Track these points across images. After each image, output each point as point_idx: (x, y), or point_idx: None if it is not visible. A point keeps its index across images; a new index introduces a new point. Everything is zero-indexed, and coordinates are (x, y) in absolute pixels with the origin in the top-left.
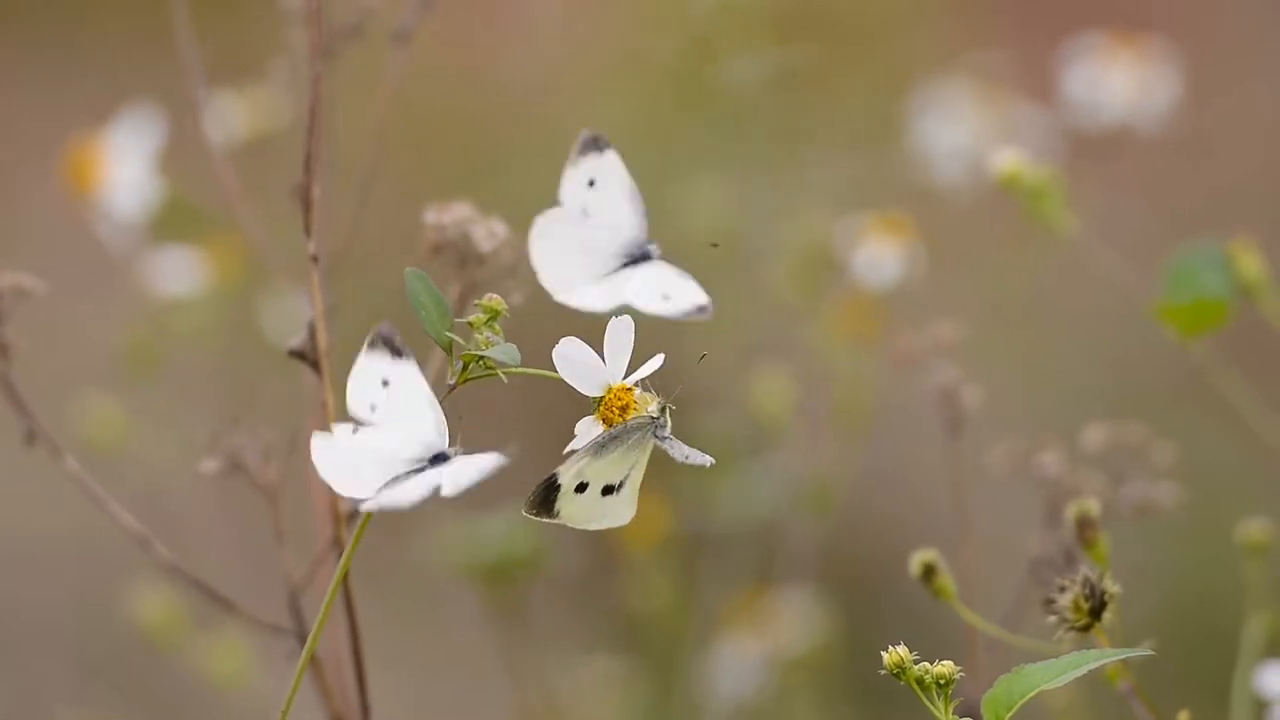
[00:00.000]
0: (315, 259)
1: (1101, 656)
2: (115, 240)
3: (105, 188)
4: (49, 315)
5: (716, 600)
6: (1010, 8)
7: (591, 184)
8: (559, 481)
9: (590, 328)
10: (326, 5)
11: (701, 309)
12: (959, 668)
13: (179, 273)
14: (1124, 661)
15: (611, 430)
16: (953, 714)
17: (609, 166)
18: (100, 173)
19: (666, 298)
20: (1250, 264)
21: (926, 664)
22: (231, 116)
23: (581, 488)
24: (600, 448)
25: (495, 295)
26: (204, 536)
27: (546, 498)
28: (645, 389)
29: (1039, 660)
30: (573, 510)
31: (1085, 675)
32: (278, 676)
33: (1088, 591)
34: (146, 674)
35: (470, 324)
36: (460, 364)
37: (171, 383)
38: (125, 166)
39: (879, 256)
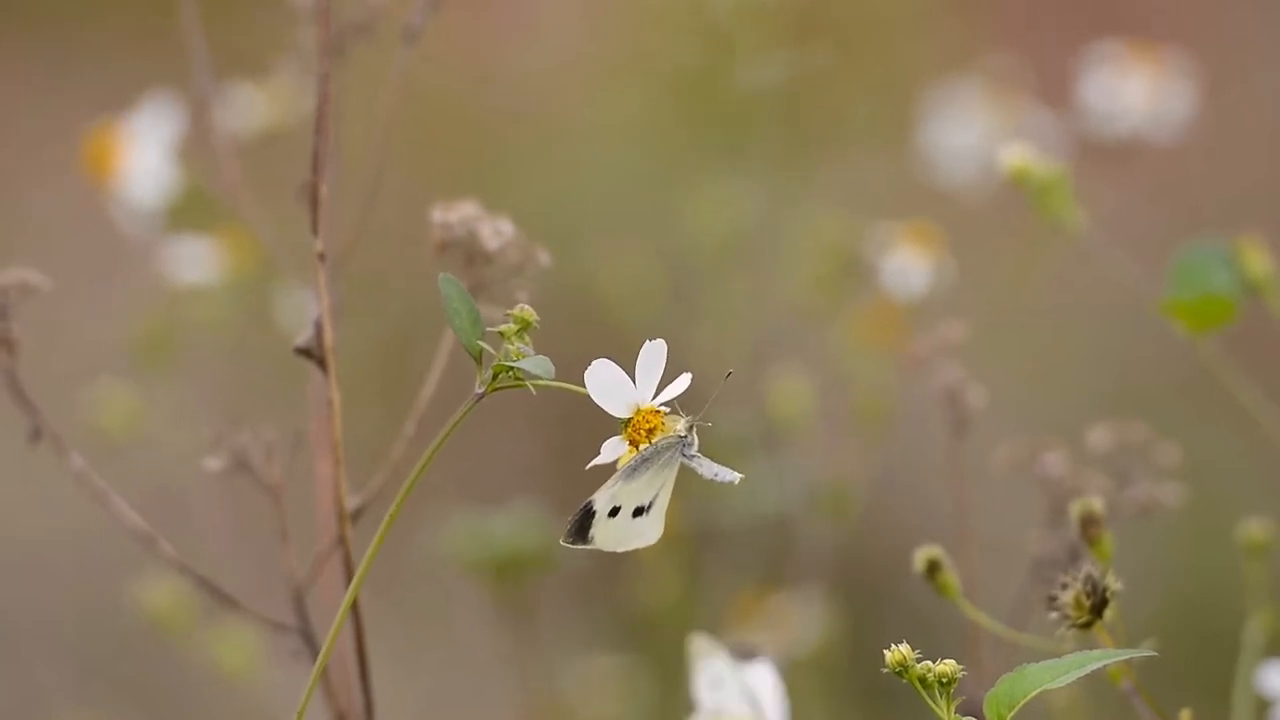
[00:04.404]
0: (322, 257)
1: (1105, 656)
2: (132, 227)
3: (124, 174)
4: (49, 312)
5: (723, 598)
6: (1016, 10)
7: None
8: (594, 509)
9: (596, 327)
10: (334, 3)
11: None
12: (962, 666)
13: (195, 261)
14: (1126, 660)
15: (642, 453)
16: (955, 713)
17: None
18: (120, 159)
19: None
20: (1258, 261)
21: (929, 663)
22: (238, 113)
23: (614, 511)
24: (632, 471)
25: (526, 305)
26: (207, 533)
27: (583, 525)
28: (673, 408)
29: (1042, 659)
30: (605, 535)
31: (1086, 674)
32: (279, 674)
33: (1089, 589)
34: (147, 674)
35: (501, 334)
36: (490, 373)
37: (179, 376)
38: (145, 153)
39: (910, 266)
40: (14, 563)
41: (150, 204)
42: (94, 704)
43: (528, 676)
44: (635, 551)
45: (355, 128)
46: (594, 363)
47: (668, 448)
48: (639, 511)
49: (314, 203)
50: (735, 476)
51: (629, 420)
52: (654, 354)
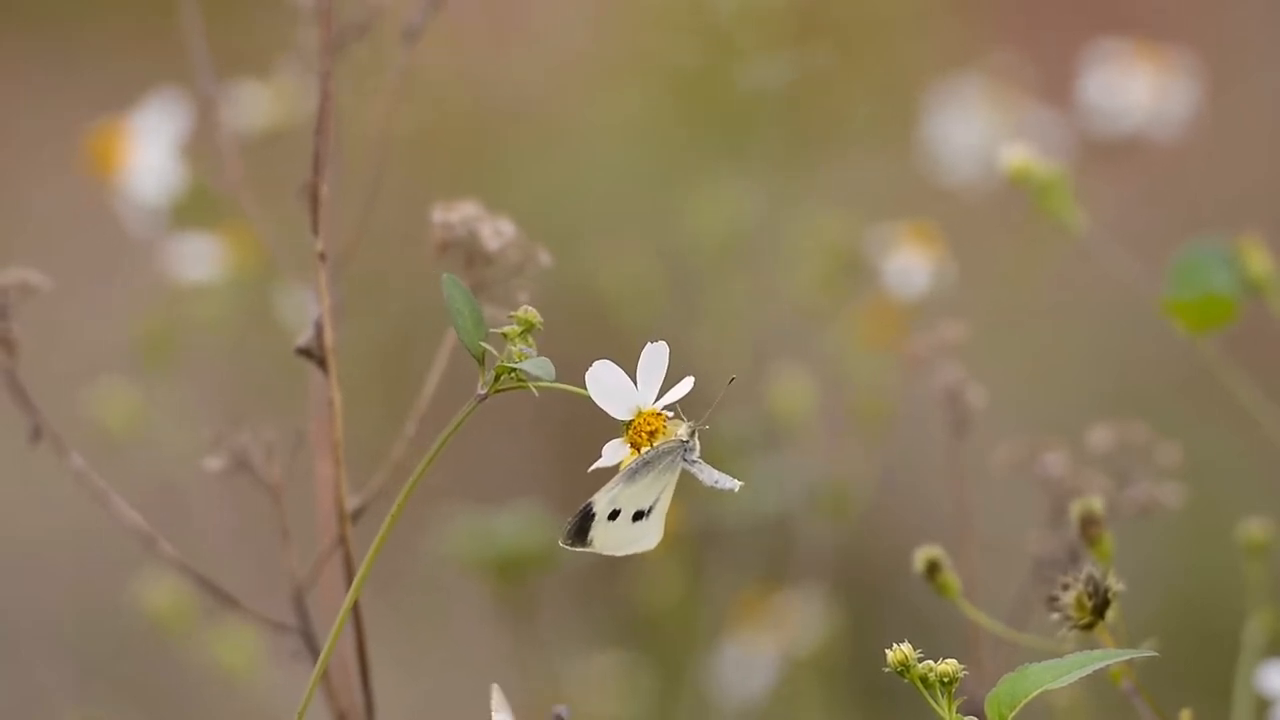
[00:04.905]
0: (323, 256)
1: (1106, 656)
2: (136, 224)
3: (129, 171)
4: (49, 312)
5: (725, 597)
6: (1016, 10)
7: None
8: (594, 510)
9: (596, 327)
10: (335, 3)
11: None
12: (963, 666)
13: (198, 259)
14: (1127, 660)
15: (643, 456)
16: (956, 713)
17: None
18: (124, 156)
19: None
20: (1258, 261)
21: (930, 663)
22: (241, 112)
23: (614, 515)
24: (632, 475)
25: (530, 308)
26: (208, 533)
27: (581, 527)
28: (675, 412)
29: (1043, 659)
30: (605, 538)
31: (1087, 674)
32: (280, 674)
33: (1091, 589)
34: (147, 674)
35: (504, 335)
36: (492, 374)
37: (179, 376)
38: (149, 150)
39: (912, 266)
40: (14, 563)
41: (154, 201)
42: (94, 704)
43: (528, 676)
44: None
45: (356, 127)
46: (595, 364)
47: (669, 452)
48: (639, 515)
49: (314, 202)
50: (735, 484)
51: (630, 423)
52: (655, 356)
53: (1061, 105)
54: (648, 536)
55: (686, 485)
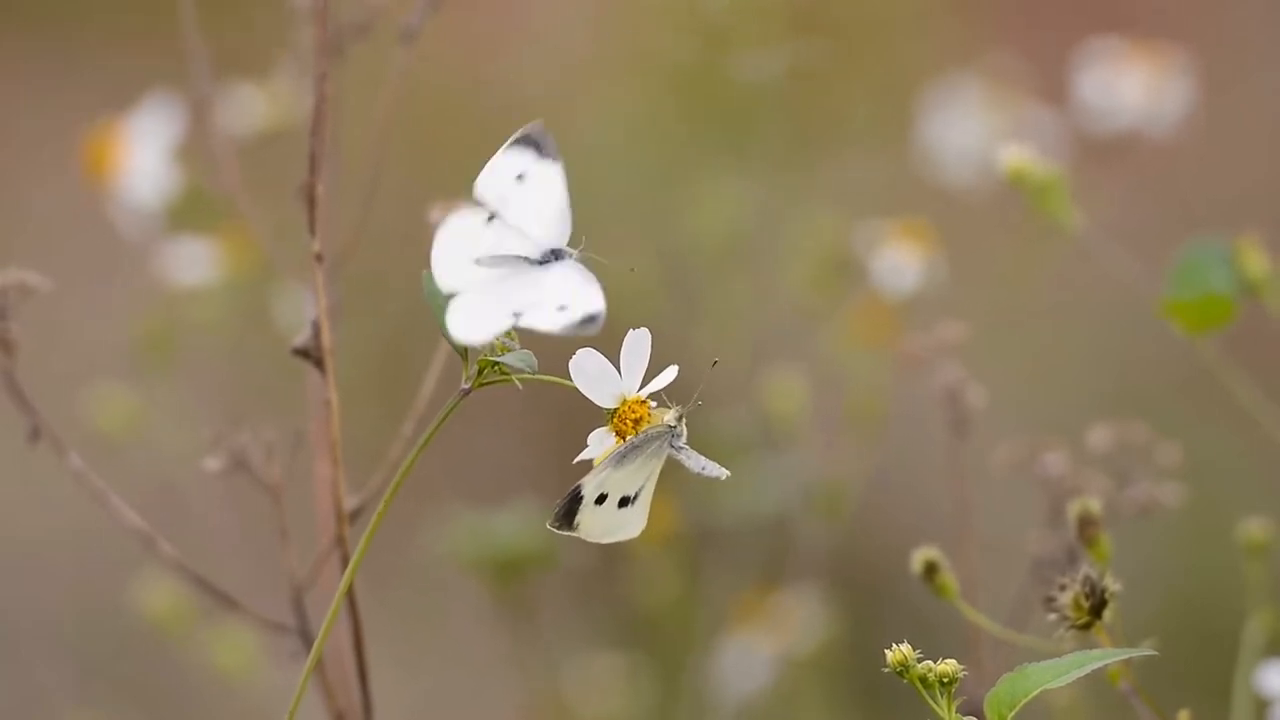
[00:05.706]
0: (320, 257)
1: (1105, 656)
2: (131, 227)
3: (123, 175)
4: (49, 312)
5: (723, 597)
6: (1015, 10)
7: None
8: (582, 493)
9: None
10: (333, 3)
11: (590, 319)
12: (962, 666)
13: (194, 262)
14: (1125, 660)
15: (631, 441)
16: (956, 713)
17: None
18: (118, 160)
19: (562, 308)
20: (1256, 261)
21: (930, 663)
22: (238, 113)
23: (601, 499)
24: (621, 459)
25: None
26: (207, 533)
27: (570, 510)
28: (660, 400)
29: (1042, 659)
30: (591, 522)
31: (1086, 674)
32: (279, 674)
33: (1088, 590)
34: (147, 674)
35: None
36: (475, 368)
37: (178, 376)
38: (144, 154)
39: (901, 263)
40: (14, 563)
41: (149, 204)
42: (94, 704)
43: (528, 676)
44: (634, 550)
45: (354, 128)
46: (579, 352)
47: (657, 437)
48: (624, 502)
49: (311, 203)
50: (722, 472)
51: (615, 411)
52: (638, 343)
53: (1060, 105)
54: (632, 524)
55: (686, 485)
